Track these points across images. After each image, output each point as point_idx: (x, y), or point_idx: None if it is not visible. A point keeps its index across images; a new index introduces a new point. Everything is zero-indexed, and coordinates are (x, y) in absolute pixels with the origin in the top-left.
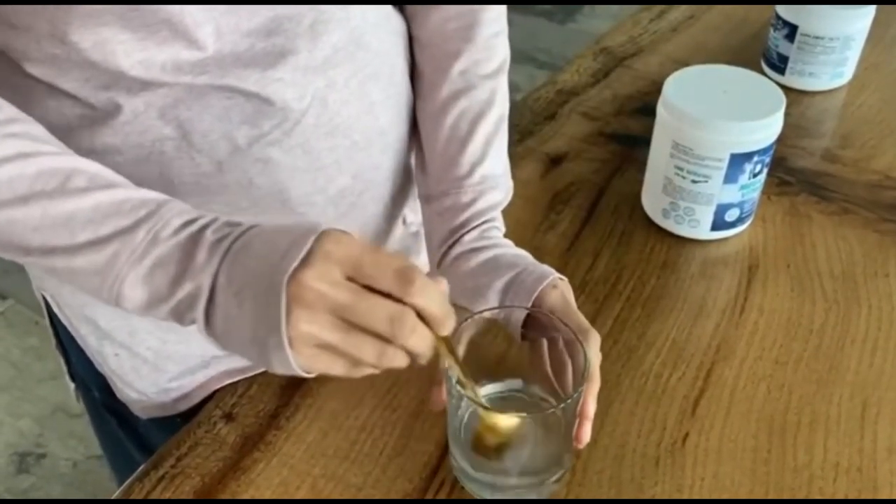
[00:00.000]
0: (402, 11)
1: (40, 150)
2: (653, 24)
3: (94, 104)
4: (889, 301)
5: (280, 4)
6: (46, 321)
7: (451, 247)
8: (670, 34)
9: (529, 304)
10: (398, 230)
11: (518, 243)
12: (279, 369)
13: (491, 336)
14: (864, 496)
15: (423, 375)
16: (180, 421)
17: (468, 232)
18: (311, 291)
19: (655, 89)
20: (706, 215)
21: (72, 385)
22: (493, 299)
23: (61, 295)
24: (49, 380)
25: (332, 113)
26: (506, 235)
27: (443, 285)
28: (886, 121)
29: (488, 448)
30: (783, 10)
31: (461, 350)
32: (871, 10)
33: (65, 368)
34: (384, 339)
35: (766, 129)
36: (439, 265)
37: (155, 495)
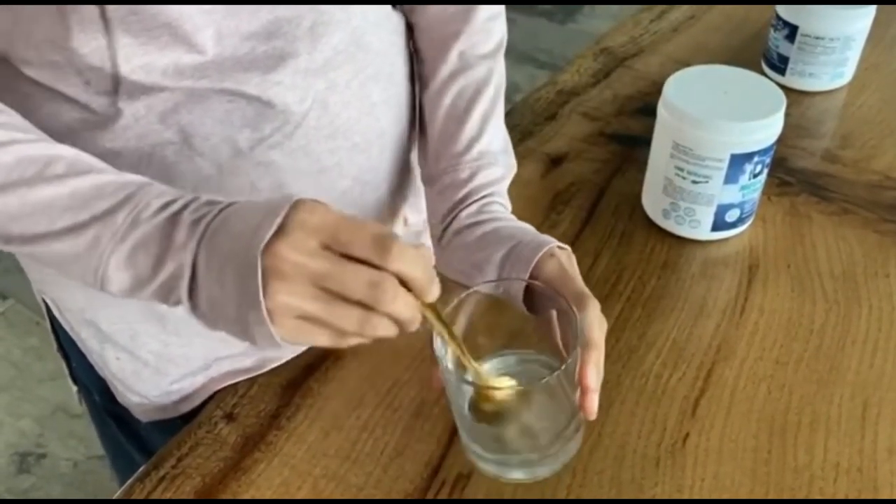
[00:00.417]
0: (400, 5)
1: (17, 138)
2: (653, 24)
3: (95, 108)
4: (889, 301)
5: (281, 5)
6: (47, 324)
7: (449, 223)
8: (671, 34)
9: (527, 276)
10: (399, 230)
11: None
12: (263, 344)
13: (501, 311)
14: (864, 496)
15: (424, 376)
16: (181, 423)
17: (466, 207)
18: (286, 262)
19: (656, 90)
20: (706, 216)
21: (74, 388)
22: (491, 273)
23: (62, 299)
24: (49, 380)
25: (333, 115)
26: None
27: (424, 251)
28: (886, 121)
29: (486, 414)
30: (783, 11)
31: (461, 328)
32: (871, 10)
33: (66, 371)
34: (367, 308)
35: (767, 130)
36: (440, 242)
37: (156, 496)
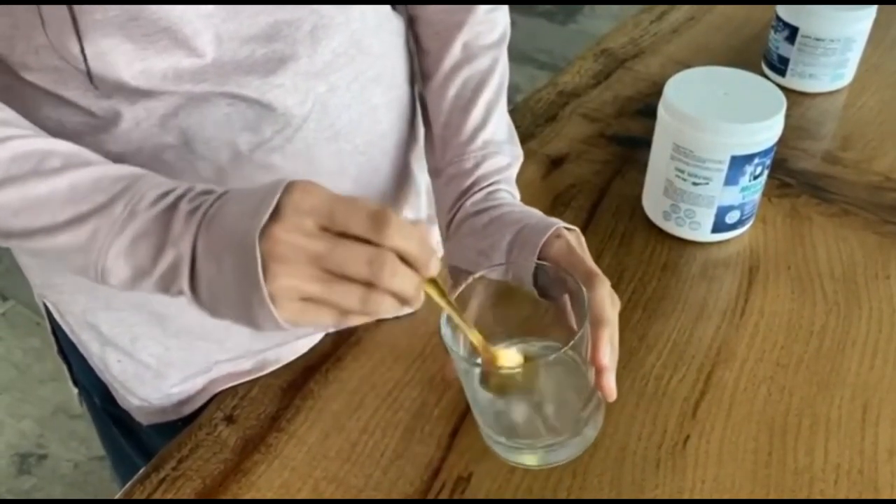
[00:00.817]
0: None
1: (12, 134)
2: (653, 25)
3: (95, 112)
4: (890, 303)
5: (281, 5)
6: (48, 329)
7: (456, 212)
8: (671, 36)
9: (535, 258)
10: None
11: None
12: (267, 328)
13: (513, 298)
14: (864, 498)
15: (424, 377)
16: (182, 425)
17: (472, 195)
18: (284, 244)
19: (656, 91)
20: (707, 217)
21: (75, 390)
22: (499, 259)
23: (63, 302)
24: (50, 381)
25: (334, 118)
26: None
27: (421, 226)
28: (887, 122)
29: (496, 386)
30: (784, 12)
31: (471, 316)
32: (871, 11)
33: (67, 374)
34: (368, 285)
35: (767, 131)
36: (447, 232)
37: (156, 497)
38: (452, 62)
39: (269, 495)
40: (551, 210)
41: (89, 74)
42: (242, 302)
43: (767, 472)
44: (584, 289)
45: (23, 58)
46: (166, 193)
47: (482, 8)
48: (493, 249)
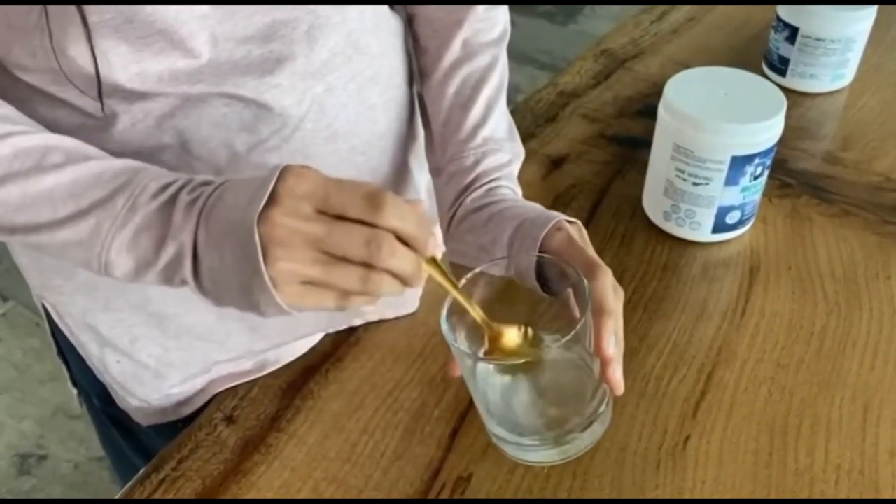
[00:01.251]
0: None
1: (12, 130)
2: (654, 25)
3: (93, 113)
4: (890, 303)
5: (278, 5)
6: (47, 330)
7: (456, 210)
8: (671, 36)
9: (536, 253)
10: None
11: None
12: (270, 313)
13: (517, 294)
14: (865, 498)
15: (424, 378)
16: (181, 426)
17: (473, 192)
18: (282, 228)
19: (656, 91)
20: (707, 217)
21: (74, 391)
22: (500, 255)
23: (62, 304)
24: (50, 381)
25: (331, 118)
26: None
27: (418, 205)
28: (888, 122)
29: (503, 365)
30: (784, 12)
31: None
32: (872, 11)
33: (67, 376)
34: (368, 266)
35: (768, 132)
36: (448, 230)
37: (156, 497)
38: (452, 60)
39: (269, 496)
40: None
41: (98, 76)
42: (244, 289)
43: (768, 473)
44: (585, 279)
45: (20, 59)
46: (166, 186)
47: (481, 6)
48: (494, 245)
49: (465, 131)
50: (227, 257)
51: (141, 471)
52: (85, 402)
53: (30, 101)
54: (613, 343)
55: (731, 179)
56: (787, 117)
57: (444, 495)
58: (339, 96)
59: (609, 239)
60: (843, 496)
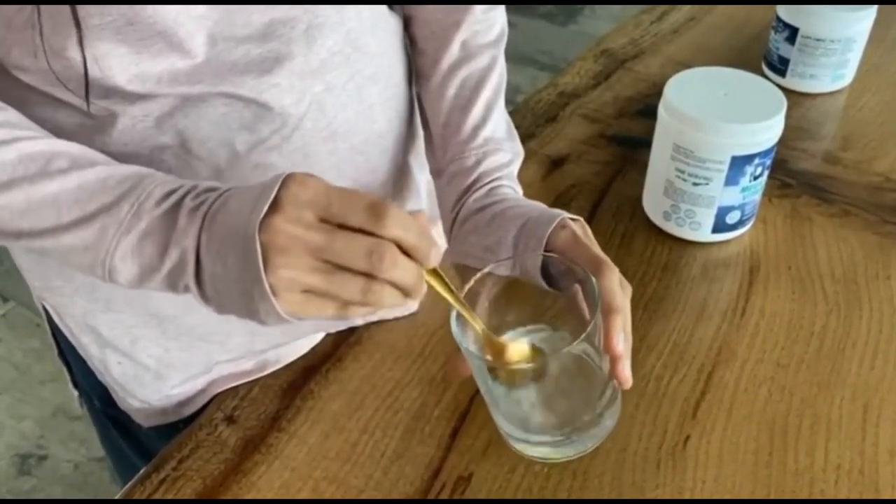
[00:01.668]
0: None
1: (18, 136)
2: (654, 25)
3: (92, 113)
4: (890, 304)
5: (276, 4)
6: (48, 331)
7: (459, 211)
8: (671, 36)
9: (541, 252)
10: None
11: None
12: (270, 321)
13: (524, 291)
14: (865, 498)
15: (424, 377)
16: (182, 427)
17: (474, 192)
18: (283, 235)
19: (656, 91)
20: (707, 218)
21: (75, 392)
22: (505, 255)
23: (63, 305)
24: (50, 381)
25: (330, 117)
26: None
27: (420, 216)
28: (888, 123)
29: (505, 378)
30: (784, 13)
31: (483, 310)
32: (871, 12)
33: (68, 377)
34: (369, 276)
35: (767, 132)
36: (451, 232)
37: (157, 497)
38: (451, 61)
39: (270, 496)
40: None
41: (86, 77)
42: (245, 296)
43: (768, 473)
44: (592, 278)
45: (19, 60)
46: (171, 192)
47: (479, 7)
48: (498, 245)
49: (466, 132)
50: (230, 263)
51: (141, 471)
52: (85, 403)
53: (29, 102)
54: (622, 340)
55: (731, 179)
56: (787, 117)
57: (445, 495)
58: (338, 95)
59: (609, 239)
60: (842, 496)
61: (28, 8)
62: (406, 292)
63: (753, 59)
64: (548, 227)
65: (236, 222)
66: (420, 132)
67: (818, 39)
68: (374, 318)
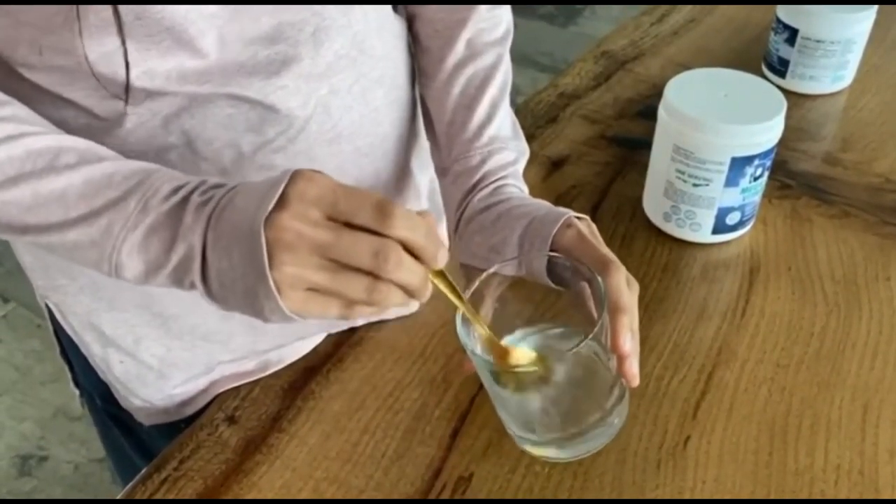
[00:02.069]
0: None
1: (26, 131)
2: (654, 27)
3: (98, 113)
4: (890, 305)
5: (284, 5)
6: (50, 330)
7: (464, 210)
8: (671, 37)
9: (547, 251)
10: None
11: None
12: (274, 319)
13: (530, 290)
14: (865, 498)
15: (425, 378)
16: (183, 426)
17: (479, 191)
18: (289, 232)
19: (657, 92)
20: (707, 219)
21: (76, 391)
22: (511, 255)
23: (66, 303)
24: (51, 382)
25: (336, 119)
26: None
27: (428, 217)
28: (888, 123)
29: (512, 382)
30: (784, 14)
31: (489, 309)
32: (871, 13)
33: (69, 376)
34: (374, 276)
35: (767, 133)
36: (456, 231)
37: (158, 497)
38: (456, 60)
39: (271, 496)
40: None
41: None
42: (250, 293)
43: (768, 473)
44: (599, 277)
45: (26, 58)
46: (179, 188)
47: (484, 5)
48: (504, 245)
49: (471, 131)
50: (235, 260)
51: (143, 471)
52: (87, 403)
53: (35, 101)
54: (630, 339)
55: (731, 181)
56: (787, 119)
57: (445, 495)
58: (343, 98)
59: (609, 240)
60: (842, 496)
61: (58, 7)
62: (411, 293)
63: (753, 60)
64: (553, 226)
65: (243, 218)
66: (422, 133)
67: (818, 41)
68: (374, 319)
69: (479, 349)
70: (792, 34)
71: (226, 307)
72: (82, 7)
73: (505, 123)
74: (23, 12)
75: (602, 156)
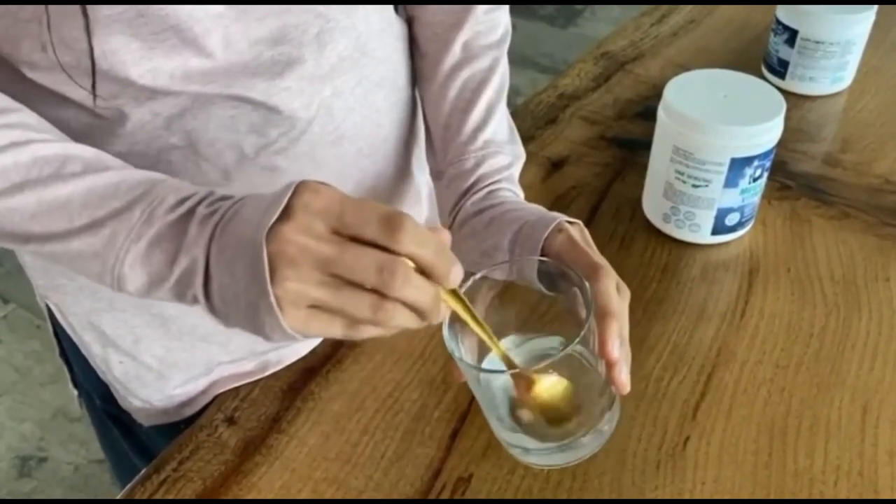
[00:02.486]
0: (401, 6)
1: (33, 138)
2: (654, 28)
3: (101, 113)
4: (889, 306)
5: (288, 5)
6: (50, 330)
7: (457, 214)
8: (671, 38)
9: (538, 256)
10: None
11: None
12: (275, 337)
13: (522, 293)
14: (865, 499)
15: (425, 379)
16: (183, 427)
17: (473, 195)
18: (292, 245)
19: (656, 93)
20: (707, 220)
21: (75, 392)
22: (502, 260)
23: (66, 303)
24: (50, 383)
25: (338, 121)
26: None
27: (441, 233)
28: (887, 125)
29: (539, 408)
30: (784, 15)
31: (479, 314)
32: (871, 14)
33: (68, 377)
34: (381, 294)
35: (767, 134)
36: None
37: (157, 498)
38: (452, 63)
39: (270, 496)
40: None
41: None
42: (251, 308)
43: (767, 474)
44: (586, 282)
45: (29, 56)
46: (185, 199)
47: (481, 8)
48: (495, 249)
49: (466, 134)
50: (237, 274)
51: (142, 471)
52: (86, 403)
53: (38, 101)
54: (618, 345)
55: (731, 181)
56: (787, 119)
57: (445, 496)
58: (346, 100)
59: (609, 241)
60: (842, 497)
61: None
62: (420, 313)
63: (753, 61)
64: (544, 231)
65: (246, 231)
66: (422, 135)
67: (817, 42)
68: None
69: (467, 356)
70: (791, 35)
71: (227, 323)
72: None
73: (501, 127)
74: (24, 10)
75: (601, 157)
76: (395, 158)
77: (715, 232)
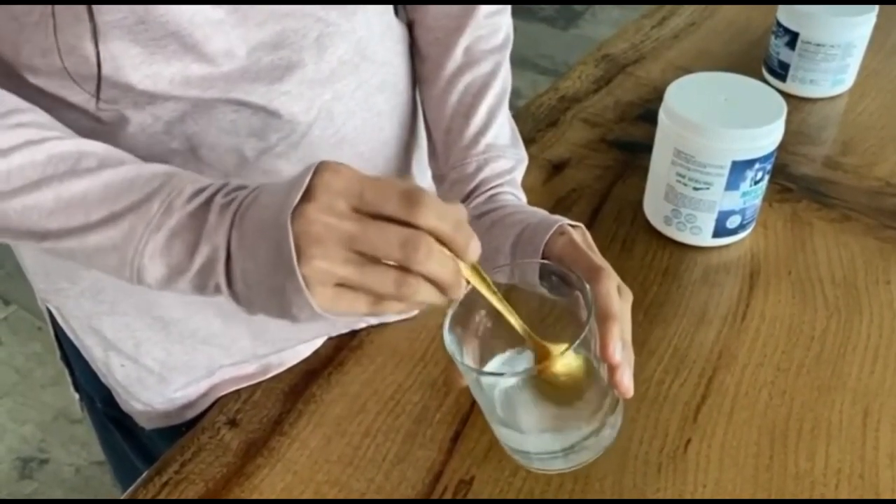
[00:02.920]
0: (402, 4)
1: (47, 136)
2: (655, 30)
3: (101, 117)
4: (890, 308)
5: (286, 5)
6: (51, 333)
7: None
8: (672, 41)
9: (539, 259)
10: None
11: None
12: (303, 316)
13: (525, 298)
14: (865, 499)
15: (426, 381)
16: (184, 429)
17: (474, 199)
18: (317, 224)
19: (657, 96)
20: (708, 222)
21: (76, 395)
22: (504, 263)
23: (67, 307)
24: (52, 385)
25: (339, 125)
26: None
27: (460, 207)
28: (888, 127)
29: (557, 383)
30: (784, 18)
31: (481, 318)
32: (871, 17)
33: (69, 380)
34: (404, 270)
35: (768, 137)
36: None
37: (160, 498)
38: (454, 67)
39: (272, 498)
40: None
41: (99, 76)
42: (277, 291)
43: (768, 476)
44: (587, 285)
45: (30, 60)
46: (202, 190)
47: (482, 12)
48: (497, 253)
49: (467, 139)
50: (261, 258)
51: (144, 474)
52: (87, 406)
53: (39, 105)
54: (620, 348)
55: (732, 184)
56: (788, 122)
57: (446, 498)
58: (346, 104)
59: (610, 244)
60: (843, 500)
61: (39, 6)
62: (442, 287)
63: (754, 63)
64: (545, 234)
65: (268, 214)
66: (422, 138)
67: (818, 44)
68: (374, 321)
69: (467, 359)
70: (792, 38)
71: (251, 310)
72: (95, 8)
73: (503, 131)
74: (25, 14)
75: (602, 159)
76: (395, 161)
77: (716, 235)
